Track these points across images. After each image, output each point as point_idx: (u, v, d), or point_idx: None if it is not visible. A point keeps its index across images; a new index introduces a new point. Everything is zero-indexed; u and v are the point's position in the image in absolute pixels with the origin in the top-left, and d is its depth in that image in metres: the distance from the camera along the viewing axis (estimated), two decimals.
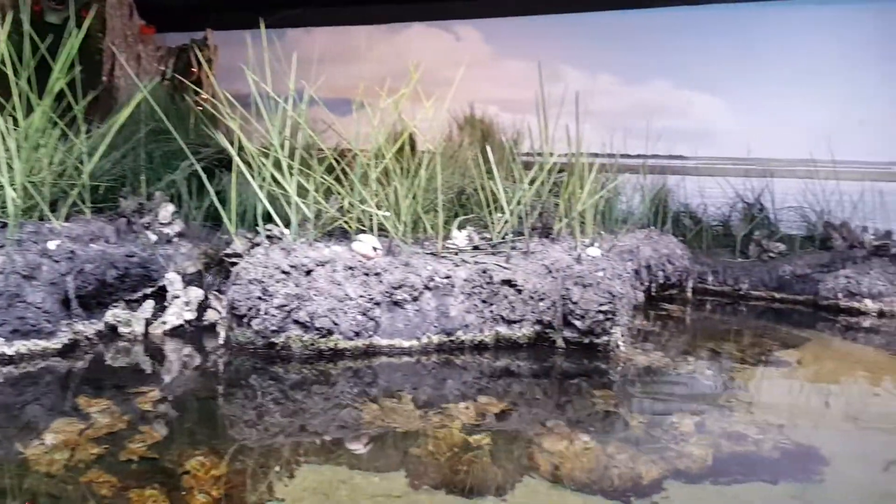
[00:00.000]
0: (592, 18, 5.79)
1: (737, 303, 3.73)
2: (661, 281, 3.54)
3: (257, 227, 2.64)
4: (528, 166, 2.95)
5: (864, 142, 4.89)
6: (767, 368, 2.56)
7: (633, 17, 5.66)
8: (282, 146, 2.53)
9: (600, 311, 2.47)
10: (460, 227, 2.85)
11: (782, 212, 4.39)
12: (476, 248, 2.75)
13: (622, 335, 2.54)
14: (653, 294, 3.51)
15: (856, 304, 3.57)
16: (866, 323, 3.37)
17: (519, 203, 2.78)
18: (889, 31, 5.01)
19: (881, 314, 3.50)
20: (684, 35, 5.46)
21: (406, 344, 2.42)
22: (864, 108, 4.97)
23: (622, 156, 4.25)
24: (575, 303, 2.49)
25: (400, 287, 2.41)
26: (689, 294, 3.74)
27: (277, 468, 1.56)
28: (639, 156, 4.65)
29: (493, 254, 2.70)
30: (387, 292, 2.39)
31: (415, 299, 2.43)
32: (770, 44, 5.28)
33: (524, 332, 2.54)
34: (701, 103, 5.46)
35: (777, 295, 3.81)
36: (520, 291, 2.50)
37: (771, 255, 4.01)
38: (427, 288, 2.45)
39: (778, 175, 4.68)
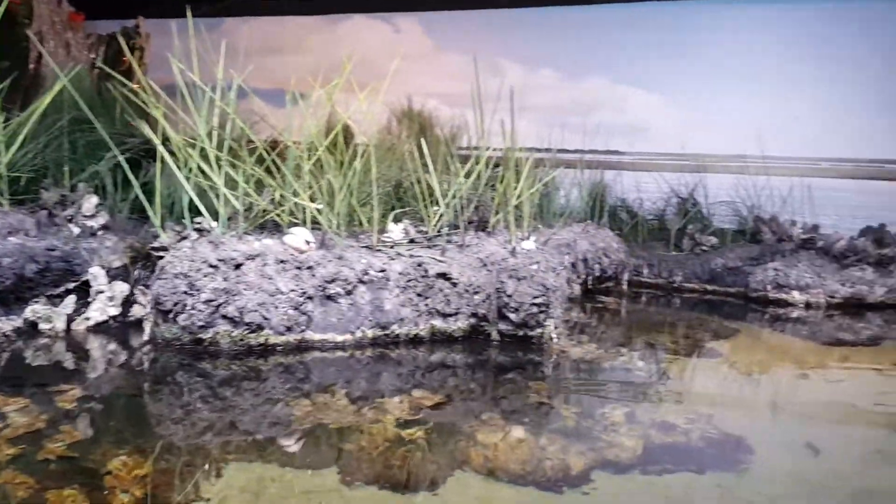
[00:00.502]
0: (532, 14, 5.82)
1: (671, 295, 3.81)
2: (598, 274, 3.59)
3: (182, 220, 2.56)
4: (465, 160, 2.94)
5: (793, 138, 5.05)
6: (699, 359, 2.62)
7: (572, 12, 5.71)
8: (209, 137, 2.46)
9: (534, 304, 2.48)
10: (396, 221, 2.82)
11: (715, 206, 4.49)
12: (412, 241, 2.72)
13: (556, 328, 2.56)
14: (589, 287, 3.55)
15: (784, 296, 3.68)
16: (794, 314, 3.48)
17: (455, 196, 2.76)
18: (820, 29, 5.18)
19: (808, 305, 3.62)
20: (622, 31, 5.54)
21: (340, 338, 2.37)
22: (794, 105, 5.13)
23: (560, 150, 4.29)
24: (509, 296, 2.49)
25: (333, 281, 2.36)
26: (625, 287, 3.80)
27: (205, 467, 1.50)
28: (576, 150, 4.69)
29: (429, 247, 2.68)
30: (320, 286, 2.35)
31: (349, 293, 2.39)
32: (704, 41, 5.40)
33: (459, 325, 2.53)
34: (637, 99, 5.55)
35: (709, 287, 3.90)
36: (455, 285, 2.49)
37: (704, 248, 4.10)
38: (361, 282, 2.41)
39: (711, 170, 4.79)
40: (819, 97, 5.13)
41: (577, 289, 3.38)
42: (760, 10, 5.30)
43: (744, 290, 3.80)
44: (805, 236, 3.98)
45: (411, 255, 2.55)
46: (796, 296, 3.66)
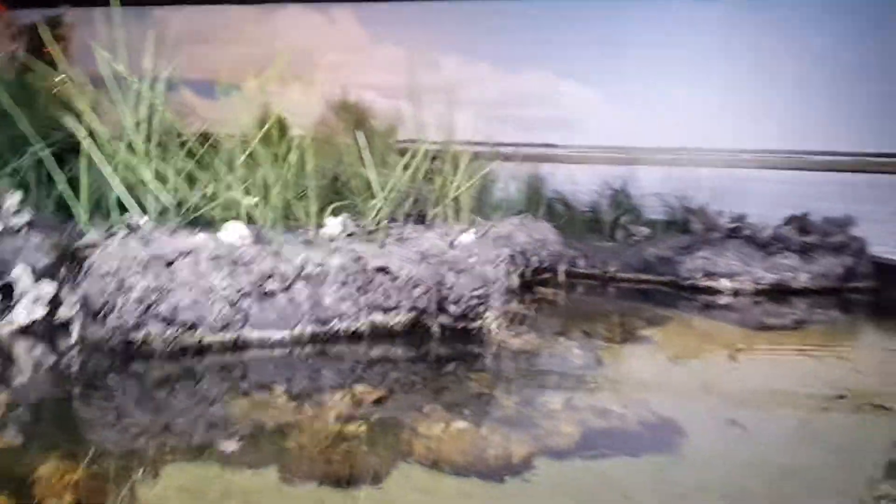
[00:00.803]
0: (469, 7, 5.84)
1: (606, 285, 3.89)
2: (536, 265, 3.64)
3: (109, 217, 2.47)
4: (403, 153, 2.94)
5: (719, 131, 5.23)
6: (633, 346, 2.68)
7: (507, 6, 5.76)
8: (137, 129, 2.38)
9: (474, 296, 2.49)
10: (334, 215, 2.79)
11: (647, 198, 4.62)
12: (350, 235, 2.70)
13: (496, 319, 2.58)
14: (527, 278, 3.59)
15: (713, 284, 3.81)
16: (723, 301, 3.60)
17: (393, 190, 2.75)
18: (743, 27, 5.37)
19: (735, 292, 3.76)
20: (557, 26, 5.63)
21: (278, 335, 2.34)
22: (719, 99, 5.31)
23: (497, 144, 4.33)
24: (449, 288, 2.50)
25: (270, 277, 2.32)
26: (562, 278, 3.87)
27: (141, 470, 1.46)
28: (513, 144, 4.74)
29: (368, 241, 2.66)
30: (256, 282, 2.30)
31: (286, 289, 2.36)
32: (637, 36, 5.53)
33: (400, 319, 2.53)
34: (572, 93, 5.65)
35: (642, 276, 4.01)
36: (395, 279, 2.48)
37: (636, 239, 4.21)
38: (299, 277, 2.38)
39: (643, 163, 4.92)
40: (743, 92, 5.32)
41: (515, 280, 3.41)
42: (689, 7, 5.46)
43: (675, 279, 3.92)
44: (732, 226, 4.12)
45: (350, 250, 2.53)
46: (725, 283, 3.79)
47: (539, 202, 4.23)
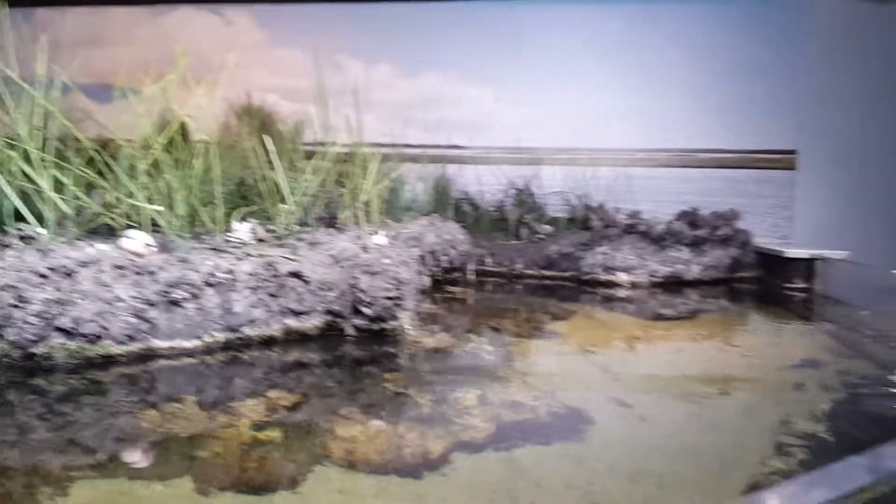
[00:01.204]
0: (366, 10, 5.84)
1: (513, 282, 4.01)
2: (446, 265, 3.71)
3: (4, 227, 2.35)
4: (311, 156, 2.93)
5: (614, 131, 5.46)
6: (541, 341, 2.79)
7: (404, 8, 5.80)
8: (31, 136, 2.28)
9: (388, 298, 2.53)
10: (242, 220, 2.76)
11: (549, 196, 4.78)
12: (260, 240, 2.68)
13: (410, 319, 2.63)
14: (438, 278, 3.66)
15: (612, 278, 3.99)
16: (622, 294, 3.78)
17: (303, 194, 2.75)
18: (634, 30, 5.62)
19: (633, 285, 3.95)
20: (455, 28, 5.71)
21: (187, 344, 2.30)
22: (614, 100, 5.54)
23: (404, 145, 4.37)
24: (363, 291, 2.52)
25: (177, 285, 2.28)
26: (471, 276, 3.96)
27: (45, 487, 1.41)
28: (419, 145, 4.80)
29: (279, 246, 2.65)
30: (163, 291, 2.25)
31: (195, 297, 2.32)
32: (535, 39, 5.69)
33: (314, 323, 2.53)
34: (473, 95, 5.75)
35: (547, 273, 4.15)
36: (307, 283, 2.48)
37: (540, 236, 4.35)
38: (208, 284, 2.35)
39: (545, 163, 5.08)
40: (636, 93, 5.58)
41: (427, 281, 3.47)
42: (584, 10, 5.67)
43: (577, 274, 4.08)
44: (628, 222, 4.33)
45: (261, 255, 2.51)
46: (623, 277, 3.98)
47: (447, 203, 4.31)
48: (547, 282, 4.05)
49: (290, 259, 2.50)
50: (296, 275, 2.47)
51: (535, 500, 1.41)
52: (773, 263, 4.29)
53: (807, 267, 4.11)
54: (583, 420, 1.87)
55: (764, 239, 4.83)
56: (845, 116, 5.44)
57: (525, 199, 4.68)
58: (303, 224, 2.78)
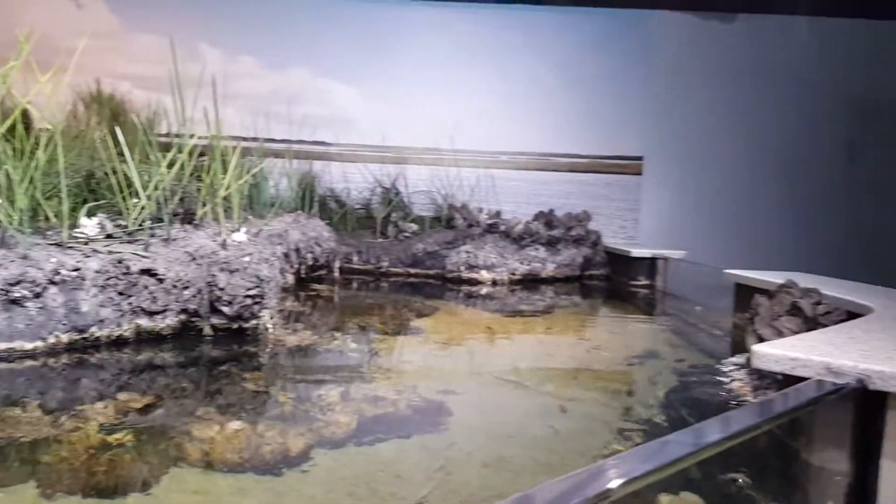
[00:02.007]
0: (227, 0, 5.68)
1: (379, 280, 4.04)
2: (311, 263, 3.67)
3: None
4: (166, 148, 2.81)
5: (478, 133, 5.63)
6: (405, 337, 2.84)
7: (268, 2, 5.69)
8: None
9: (248, 296, 2.48)
10: (90, 215, 2.61)
11: (415, 195, 4.86)
12: (109, 236, 2.54)
13: (272, 318, 2.59)
14: (302, 276, 3.62)
15: (475, 275, 4.12)
16: (483, 291, 3.91)
17: (157, 188, 2.63)
18: (506, 34, 5.81)
19: (494, 282, 4.10)
20: (320, 24, 5.66)
21: (29, 346, 2.14)
22: (478, 103, 5.70)
23: (267, 140, 4.28)
24: (222, 289, 2.46)
25: (18, 283, 2.12)
26: (337, 274, 3.95)
27: None
28: (284, 140, 4.72)
29: (130, 242, 2.52)
30: (1, 290, 2.09)
31: (37, 296, 2.17)
32: (399, 39, 5.75)
33: (168, 322, 2.43)
34: (339, 92, 5.72)
35: (412, 270, 4.22)
36: (161, 281, 2.39)
37: (406, 234, 4.41)
38: (52, 282, 2.20)
39: (410, 162, 5.16)
40: (498, 97, 5.78)
41: (290, 278, 3.43)
42: (454, 13, 5.79)
43: (441, 272, 4.18)
44: (490, 221, 4.48)
45: (110, 252, 2.38)
46: (485, 274, 4.12)
47: (312, 199, 4.27)
48: (412, 279, 4.11)
49: (141, 256, 2.39)
50: (148, 272, 2.37)
51: (395, 492, 1.45)
52: (620, 262, 4.60)
53: (650, 265, 4.43)
54: (442, 412, 1.93)
55: (612, 239, 5.17)
56: (687, 126, 5.91)
57: (391, 198, 4.72)
58: (157, 220, 2.66)
